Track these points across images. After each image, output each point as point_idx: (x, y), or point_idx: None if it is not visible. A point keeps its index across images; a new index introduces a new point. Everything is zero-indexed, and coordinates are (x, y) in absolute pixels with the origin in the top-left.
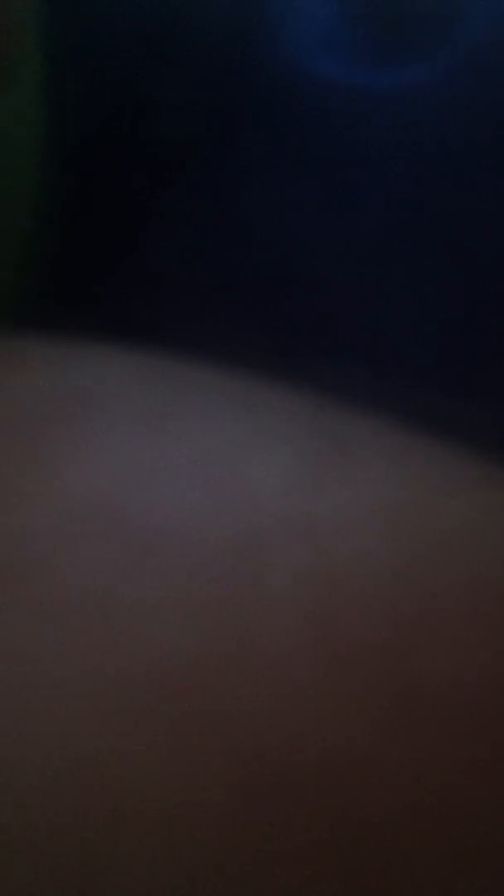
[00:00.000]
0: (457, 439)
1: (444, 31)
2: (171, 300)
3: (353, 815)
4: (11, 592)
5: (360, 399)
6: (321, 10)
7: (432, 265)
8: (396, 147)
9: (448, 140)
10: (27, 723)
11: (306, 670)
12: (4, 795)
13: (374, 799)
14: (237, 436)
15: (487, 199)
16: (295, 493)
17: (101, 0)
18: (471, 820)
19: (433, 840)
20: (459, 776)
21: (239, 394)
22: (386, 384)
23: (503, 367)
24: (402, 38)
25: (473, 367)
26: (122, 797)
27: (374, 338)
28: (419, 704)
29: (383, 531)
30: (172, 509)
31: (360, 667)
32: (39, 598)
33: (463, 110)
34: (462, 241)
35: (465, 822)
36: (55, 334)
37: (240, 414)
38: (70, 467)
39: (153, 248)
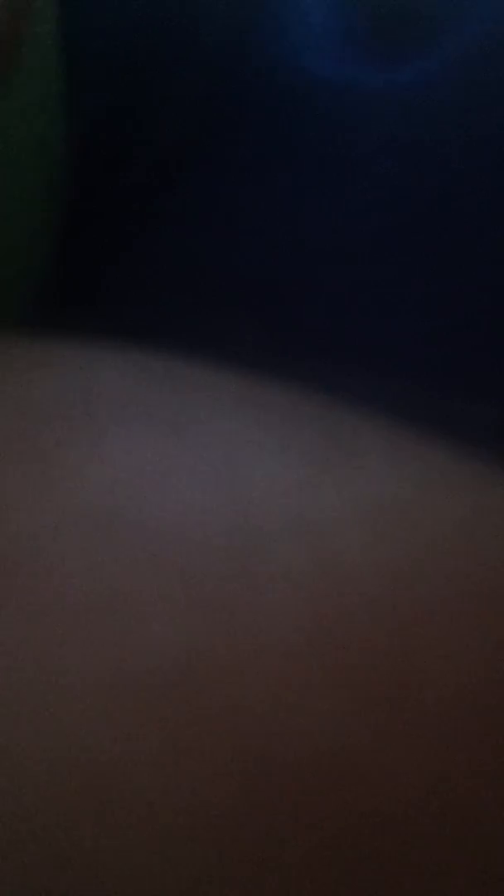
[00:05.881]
0: (457, 439)
1: (443, 31)
2: (172, 300)
3: (353, 815)
4: (14, 591)
5: (361, 399)
6: (320, 10)
7: (432, 264)
8: (395, 146)
9: (446, 139)
10: (28, 722)
11: (306, 670)
12: (5, 794)
13: (373, 799)
14: (238, 436)
15: (486, 199)
16: (296, 493)
17: (101, 1)
18: (470, 821)
19: (432, 839)
20: (458, 776)
21: (240, 394)
22: (386, 384)
23: (503, 367)
24: (400, 38)
25: (473, 367)
26: (122, 796)
27: (373, 337)
28: (417, 704)
29: (384, 531)
30: (174, 509)
31: (359, 667)
32: (42, 597)
33: (461, 110)
34: (461, 240)
35: (464, 822)
36: (57, 335)
37: (241, 414)
38: (72, 468)
39: (153, 248)
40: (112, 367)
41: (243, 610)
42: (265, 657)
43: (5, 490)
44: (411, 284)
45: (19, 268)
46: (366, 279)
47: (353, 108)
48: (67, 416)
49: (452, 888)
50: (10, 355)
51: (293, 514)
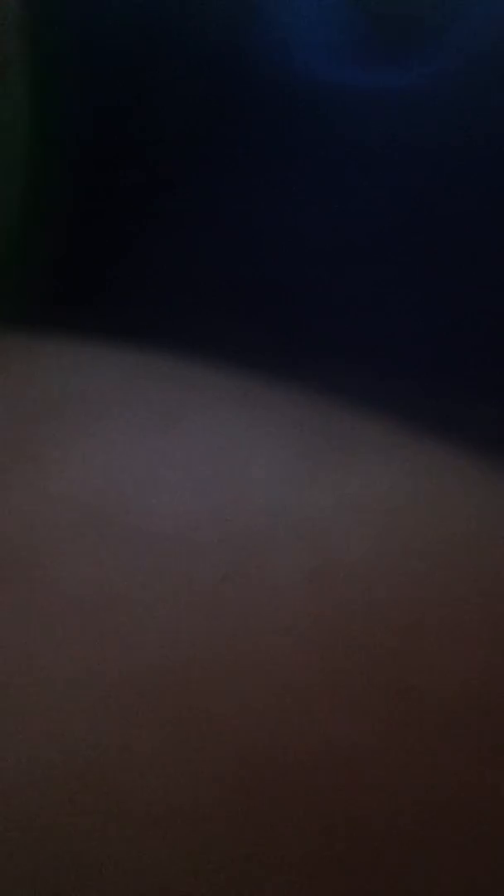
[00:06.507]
0: (457, 439)
1: (444, 32)
2: (171, 300)
3: (352, 815)
4: (9, 593)
5: (360, 399)
6: (320, 10)
7: (432, 265)
8: (396, 147)
9: (446, 140)
10: (26, 722)
11: (305, 670)
12: (3, 794)
13: (372, 799)
14: (237, 435)
15: (487, 200)
16: (294, 493)
17: (100, 1)
18: (471, 821)
19: (433, 840)
20: (458, 777)
21: (239, 393)
22: (386, 384)
23: (503, 367)
24: (401, 39)
25: (473, 367)
26: (120, 796)
27: (374, 337)
28: (418, 704)
29: (383, 531)
30: (171, 509)
31: (358, 667)
32: (37, 598)
33: (461, 110)
34: (462, 241)
35: (465, 822)
36: (55, 334)
37: (239, 413)
38: (69, 467)
39: (153, 248)
40: (110, 367)
41: (242, 610)
42: (264, 657)
43: None
44: (411, 284)
45: (17, 267)
46: (366, 279)
47: (353, 108)
48: (65, 415)
49: (453, 888)
50: (7, 354)
51: (292, 513)
